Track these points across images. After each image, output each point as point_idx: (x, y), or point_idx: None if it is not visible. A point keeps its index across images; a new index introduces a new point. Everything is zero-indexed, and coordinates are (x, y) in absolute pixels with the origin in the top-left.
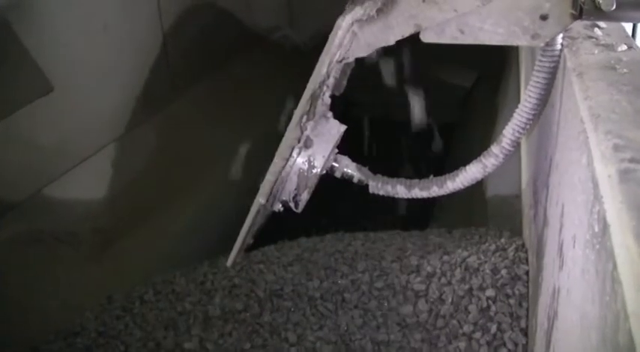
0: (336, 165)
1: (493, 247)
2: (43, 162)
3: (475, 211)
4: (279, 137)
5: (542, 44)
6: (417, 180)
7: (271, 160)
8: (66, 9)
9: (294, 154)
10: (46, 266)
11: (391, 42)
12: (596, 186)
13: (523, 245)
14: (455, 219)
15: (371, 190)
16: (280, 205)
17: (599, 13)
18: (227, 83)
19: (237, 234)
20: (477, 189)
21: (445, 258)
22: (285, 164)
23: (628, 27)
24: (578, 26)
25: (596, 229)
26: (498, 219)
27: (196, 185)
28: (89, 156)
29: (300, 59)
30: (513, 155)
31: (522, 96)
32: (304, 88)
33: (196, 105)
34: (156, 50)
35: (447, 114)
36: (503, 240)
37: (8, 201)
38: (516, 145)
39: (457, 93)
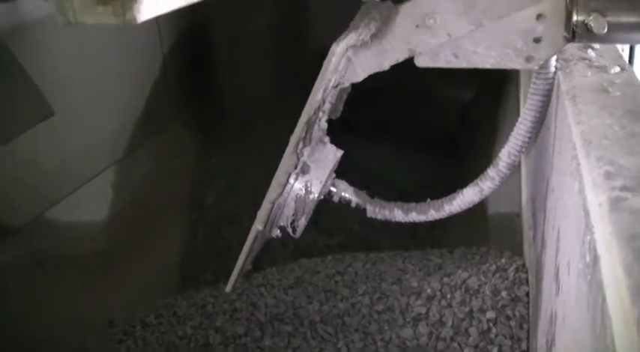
0: (333, 189)
1: (493, 268)
2: (45, 185)
3: (476, 228)
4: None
5: (536, 67)
6: (414, 204)
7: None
8: (66, 32)
9: (291, 180)
10: (47, 290)
11: (386, 67)
12: (587, 214)
13: (524, 265)
14: (455, 235)
15: (369, 214)
16: (278, 231)
17: (591, 36)
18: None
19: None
20: (477, 205)
21: (445, 279)
22: (282, 190)
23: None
24: (572, 47)
25: (588, 259)
26: (499, 237)
27: (196, 207)
28: (90, 179)
29: None
30: (514, 172)
31: (519, 119)
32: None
33: (195, 128)
34: (155, 73)
35: (446, 129)
36: (503, 260)
37: (10, 224)
38: (513, 168)
39: (456, 108)
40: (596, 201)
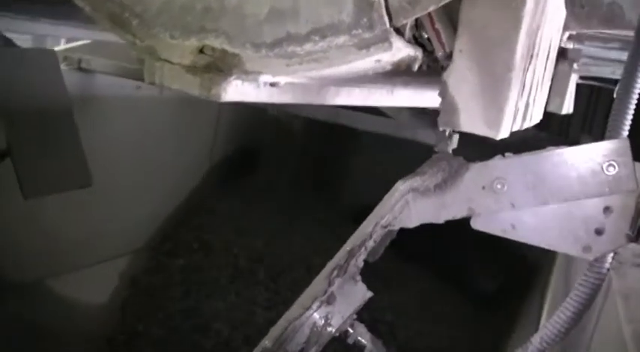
0: (351, 330)
1: None
2: (59, 253)
3: None
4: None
5: (591, 258)
6: None
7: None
8: (129, 114)
9: (314, 306)
10: None
11: (441, 220)
12: None
13: None
14: None
15: None
16: None
17: None
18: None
19: None
20: None
21: None
22: (303, 313)
23: None
24: (627, 253)
25: None
26: None
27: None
28: (103, 261)
29: None
30: None
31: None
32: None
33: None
34: (199, 176)
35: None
36: None
37: (10, 281)
38: None
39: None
40: None
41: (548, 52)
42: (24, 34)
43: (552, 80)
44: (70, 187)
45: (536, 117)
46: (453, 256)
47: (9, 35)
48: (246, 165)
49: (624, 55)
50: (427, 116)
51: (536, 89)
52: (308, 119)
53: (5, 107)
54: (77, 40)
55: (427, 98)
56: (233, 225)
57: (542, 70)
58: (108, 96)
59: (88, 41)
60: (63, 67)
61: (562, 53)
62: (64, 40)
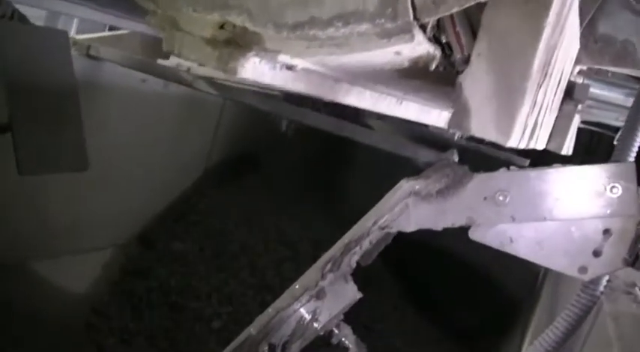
0: (336, 331)
1: None
2: (44, 236)
3: None
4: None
5: (586, 279)
6: None
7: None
8: (132, 104)
9: (303, 300)
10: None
11: (439, 227)
12: None
13: None
14: None
15: None
16: (266, 348)
17: None
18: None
19: None
20: None
21: None
22: (292, 304)
23: None
24: (619, 282)
25: None
26: None
27: None
28: (92, 250)
29: None
30: None
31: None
32: None
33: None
34: (199, 167)
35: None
36: None
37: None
38: None
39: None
40: None
41: (560, 78)
42: (37, 8)
43: (556, 118)
44: (67, 169)
45: (541, 141)
46: (434, 292)
47: (22, 9)
48: (243, 170)
49: (629, 102)
50: (428, 133)
51: (545, 111)
52: (311, 128)
53: (12, 83)
54: (90, 21)
55: (433, 116)
56: (224, 227)
57: (552, 94)
58: (113, 86)
59: (99, 34)
60: (72, 52)
61: (568, 93)
62: (76, 20)
